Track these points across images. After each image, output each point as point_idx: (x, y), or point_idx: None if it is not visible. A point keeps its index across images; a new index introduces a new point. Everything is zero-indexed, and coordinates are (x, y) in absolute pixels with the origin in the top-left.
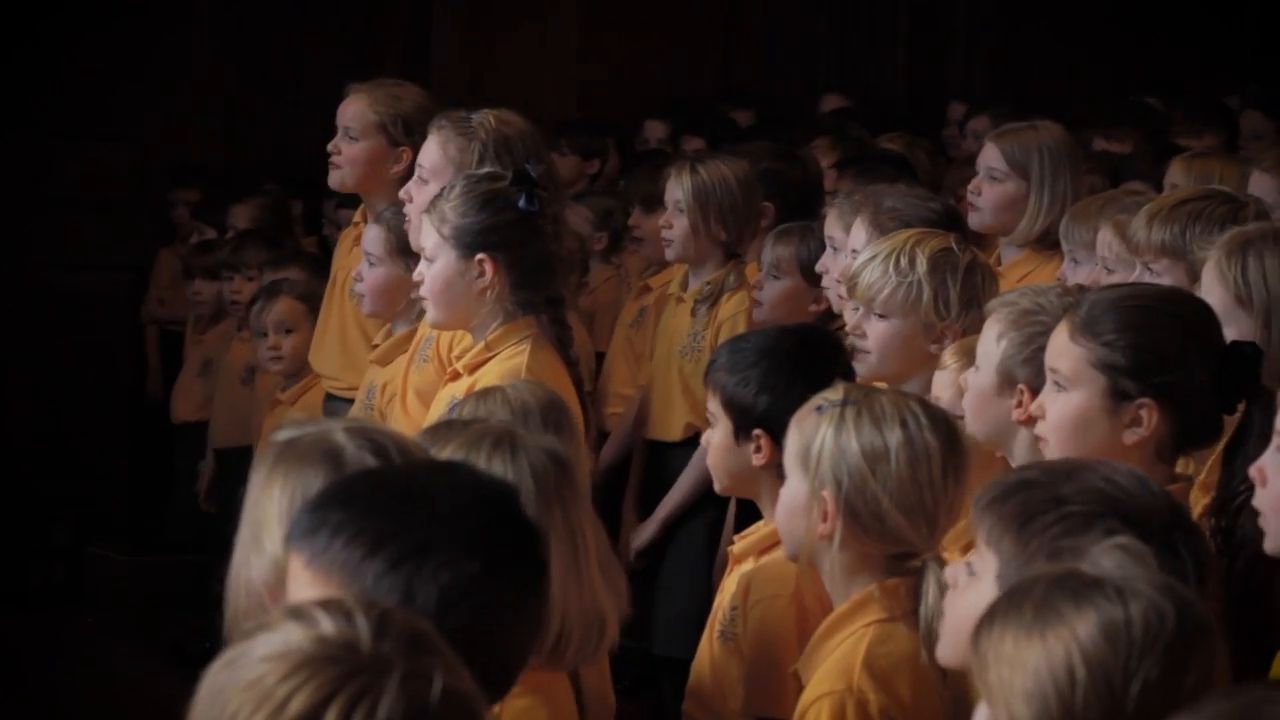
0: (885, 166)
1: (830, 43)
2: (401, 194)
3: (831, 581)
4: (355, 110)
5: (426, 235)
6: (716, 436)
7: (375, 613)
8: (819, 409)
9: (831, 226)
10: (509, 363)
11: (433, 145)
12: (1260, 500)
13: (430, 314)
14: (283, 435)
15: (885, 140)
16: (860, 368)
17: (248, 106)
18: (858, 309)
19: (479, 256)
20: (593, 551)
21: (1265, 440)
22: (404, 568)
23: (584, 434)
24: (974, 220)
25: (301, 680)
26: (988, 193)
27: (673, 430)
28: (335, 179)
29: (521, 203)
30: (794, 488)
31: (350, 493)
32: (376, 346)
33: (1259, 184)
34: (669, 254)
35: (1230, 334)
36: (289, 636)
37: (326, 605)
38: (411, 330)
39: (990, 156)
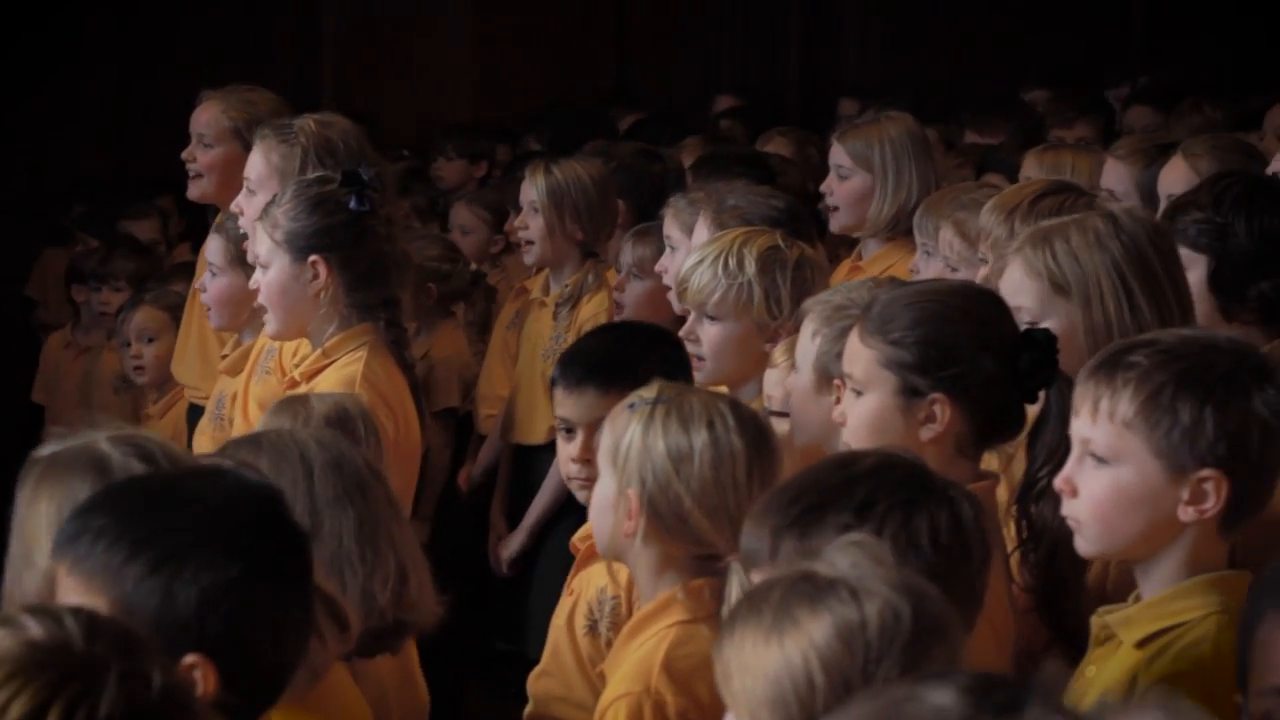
0: (737, 165)
1: (722, 42)
2: (233, 207)
3: (640, 580)
4: (209, 117)
5: (260, 243)
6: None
7: (84, 616)
8: (631, 406)
9: (669, 226)
10: (345, 370)
11: (256, 155)
12: (1073, 509)
13: (269, 324)
14: (46, 450)
15: (777, 134)
16: (698, 374)
17: (138, 120)
18: (691, 314)
19: (312, 258)
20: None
21: (1065, 424)
22: (164, 571)
23: (419, 435)
24: (834, 222)
25: (18, 686)
26: (838, 191)
27: (536, 434)
28: (195, 189)
29: (352, 204)
30: (604, 484)
31: (112, 499)
32: (226, 356)
33: (1113, 172)
34: (528, 257)
35: (1051, 326)
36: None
37: (34, 611)
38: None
39: (837, 155)
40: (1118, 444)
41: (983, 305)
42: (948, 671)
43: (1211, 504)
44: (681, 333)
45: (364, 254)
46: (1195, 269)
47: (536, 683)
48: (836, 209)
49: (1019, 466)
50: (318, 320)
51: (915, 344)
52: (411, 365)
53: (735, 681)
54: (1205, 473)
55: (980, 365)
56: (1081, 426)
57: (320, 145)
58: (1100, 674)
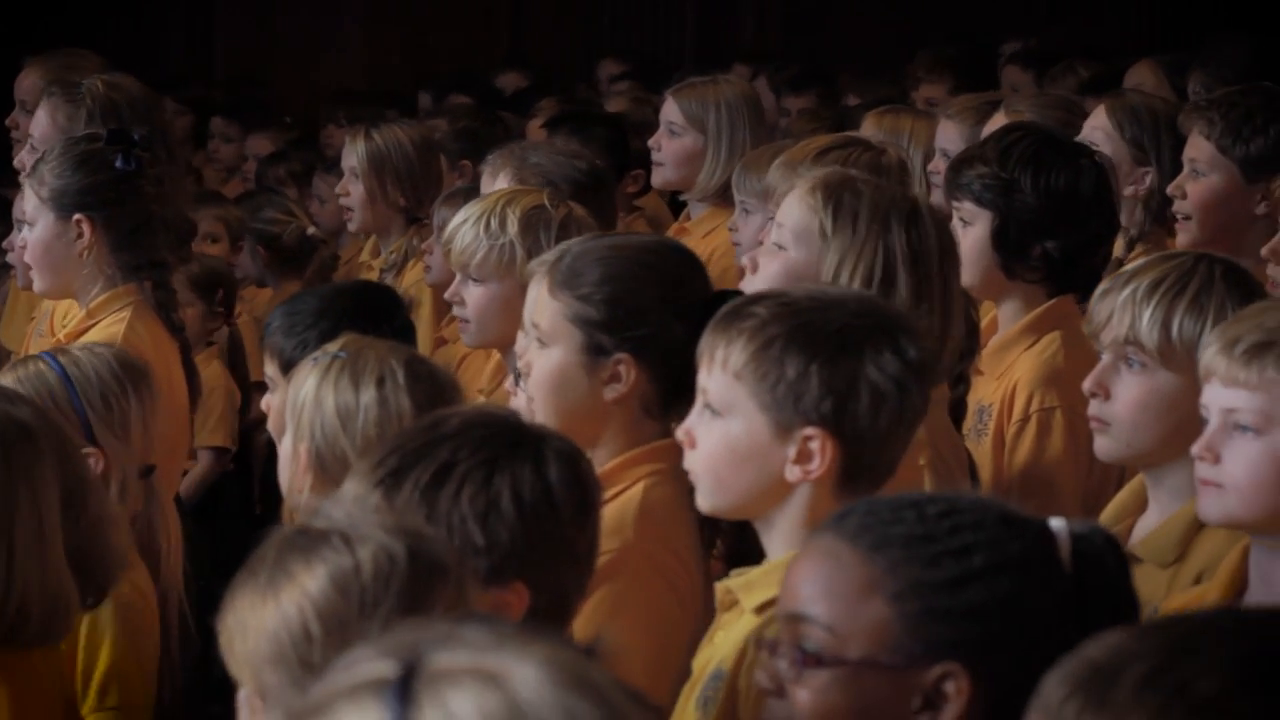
0: (596, 125)
1: (618, 10)
2: (16, 164)
3: None
4: (30, 83)
5: (27, 200)
6: (277, 401)
7: None
8: (314, 360)
9: (486, 187)
10: (107, 331)
11: (42, 114)
12: (690, 460)
13: (35, 282)
14: None
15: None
16: (465, 337)
17: None
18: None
19: (76, 217)
20: (56, 529)
21: None
22: None
23: (185, 398)
24: (656, 177)
25: None
26: (667, 147)
27: None
28: (18, 156)
29: (119, 162)
30: (286, 438)
31: None
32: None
33: (946, 132)
34: (351, 224)
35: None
36: None
37: None
38: None
39: (668, 111)
40: (728, 395)
41: (676, 264)
42: None
43: (817, 465)
44: (447, 295)
45: (129, 214)
46: (979, 224)
47: None
48: (660, 164)
49: None
50: (83, 280)
51: (603, 301)
52: (181, 327)
53: (237, 646)
54: (809, 431)
55: (668, 327)
56: (701, 376)
57: (105, 106)
58: (725, 640)
